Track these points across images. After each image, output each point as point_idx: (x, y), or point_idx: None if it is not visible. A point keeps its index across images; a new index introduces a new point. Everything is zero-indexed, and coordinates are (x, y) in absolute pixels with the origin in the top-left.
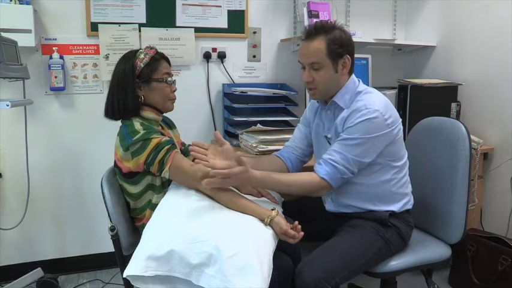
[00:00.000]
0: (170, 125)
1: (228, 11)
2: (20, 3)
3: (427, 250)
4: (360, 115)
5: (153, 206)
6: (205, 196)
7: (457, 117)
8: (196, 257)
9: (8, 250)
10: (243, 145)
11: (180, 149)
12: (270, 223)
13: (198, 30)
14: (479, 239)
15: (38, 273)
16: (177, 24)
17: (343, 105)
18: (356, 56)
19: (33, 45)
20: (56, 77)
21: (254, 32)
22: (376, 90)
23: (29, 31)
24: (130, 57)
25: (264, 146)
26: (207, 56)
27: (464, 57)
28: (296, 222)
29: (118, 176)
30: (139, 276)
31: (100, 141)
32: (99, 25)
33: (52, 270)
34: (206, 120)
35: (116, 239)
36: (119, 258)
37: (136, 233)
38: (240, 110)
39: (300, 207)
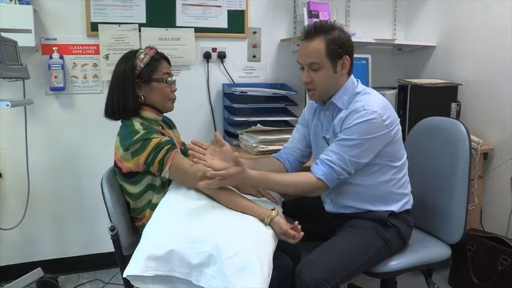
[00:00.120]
0: (170, 125)
1: (228, 11)
2: (20, 3)
3: (427, 250)
4: (358, 116)
5: (153, 206)
6: (205, 196)
7: (457, 117)
8: (196, 257)
9: (8, 250)
10: (243, 145)
11: (180, 149)
12: (270, 223)
13: (198, 30)
14: (479, 239)
15: (38, 273)
16: (177, 24)
17: (342, 105)
18: (356, 56)
19: (33, 45)
20: (56, 77)
21: (254, 32)
22: (374, 91)
23: (29, 31)
24: (130, 57)
25: (264, 146)
26: (207, 56)
27: (464, 57)
28: (296, 222)
29: (118, 176)
30: (139, 276)
31: (100, 141)
32: (99, 25)
33: (52, 270)
34: (206, 120)
35: (116, 239)
36: (119, 258)
37: (136, 233)
38: (240, 110)
39: (300, 207)
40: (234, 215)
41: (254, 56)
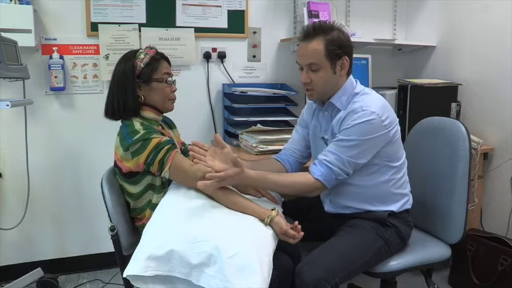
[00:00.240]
0: (170, 125)
1: (228, 11)
2: (20, 3)
3: (427, 250)
4: (356, 117)
5: (153, 206)
6: (205, 196)
7: (457, 117)
8: (196, 257)
9: (8, 250)
10: (243, 145)
11: (180, 149)
12: (270, 223)
13: (198, 30)
14: (479, 239)
15: (38, 273)
16: (177, 24)
17: (340, 106)
18: (356, 56)
19: (33, 45)
20: (56, 77)
21: (254, 32)
22: (373, 91)
23: (29, 31)
24: (130, 57)
25: (264, 146)
26: (207, 56)
27: (464, 57)
28: (296, 222)
29: (118, 176)
30: (139, 276)
31: (100, 141)
32: (99, 25)
33: (52, 270)
34: (206, 120)
35: (116, 239)
36: (119, 258)
37: (136, 233)
38: (240, 110)
39: (300, 207)
40: (234, 215)
41: (254, 56)
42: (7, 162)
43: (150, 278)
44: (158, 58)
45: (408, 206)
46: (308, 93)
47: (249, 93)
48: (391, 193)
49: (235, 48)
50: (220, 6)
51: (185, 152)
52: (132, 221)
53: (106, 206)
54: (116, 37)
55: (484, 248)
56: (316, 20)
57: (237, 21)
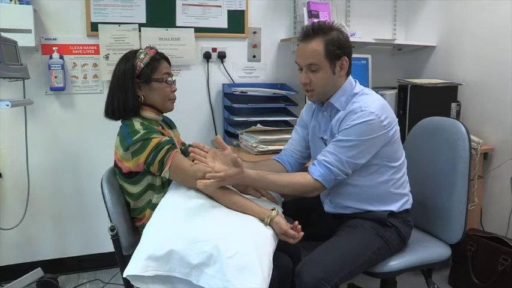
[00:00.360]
0: (170, 125)
1: (228, 11)
2: (20, 3)
3: (427, 250)
4: (355, 117)
5: (153, 206)
6: (205, 196)
7: (457, 117)
8: (196, 257)
9: (8, 250)
10: (243, 145)
11: (180, 149)
12: (270, 223)
13: (198, 30)
14: (479, 239)
15: (38, 273)
16: (177, 24)
17: (339, 106)
18: (356, 56)
19: (33, 45)
20: (56, 77)
21: (254, 32)
22: (372, 92)
23: (29, 31)
24: (130, 57)
25: (264, 146)
26: (207, 56)
27: (464, 57)
28: (296, 222)
29: (118, 176)
30: (139, 276)
31: (100, 141)
32: (99, 25)
33: (52, 270)
34: (206, 120)
35: (116, 239)
36: (119, 258)
37: (136, 233)
38: (240, 110)
39: (300, 207)
40: (234, 215)
41: (254, 56)
42: (7, 162)
43: (150, 278)
44: (158, 58)
45: (408, 206)
46: (308, 94)
47: (249, 93)
48: (391, 193)
49: (235, 48)
50: (220, 6)
51: (185, 152)
52: (132, 221)
53: (106, 206)
54: (116, 37)
55: (484, 248)
56: (316, 20)
57: (237, 21)
